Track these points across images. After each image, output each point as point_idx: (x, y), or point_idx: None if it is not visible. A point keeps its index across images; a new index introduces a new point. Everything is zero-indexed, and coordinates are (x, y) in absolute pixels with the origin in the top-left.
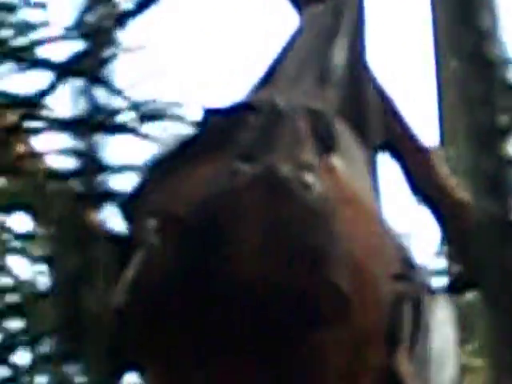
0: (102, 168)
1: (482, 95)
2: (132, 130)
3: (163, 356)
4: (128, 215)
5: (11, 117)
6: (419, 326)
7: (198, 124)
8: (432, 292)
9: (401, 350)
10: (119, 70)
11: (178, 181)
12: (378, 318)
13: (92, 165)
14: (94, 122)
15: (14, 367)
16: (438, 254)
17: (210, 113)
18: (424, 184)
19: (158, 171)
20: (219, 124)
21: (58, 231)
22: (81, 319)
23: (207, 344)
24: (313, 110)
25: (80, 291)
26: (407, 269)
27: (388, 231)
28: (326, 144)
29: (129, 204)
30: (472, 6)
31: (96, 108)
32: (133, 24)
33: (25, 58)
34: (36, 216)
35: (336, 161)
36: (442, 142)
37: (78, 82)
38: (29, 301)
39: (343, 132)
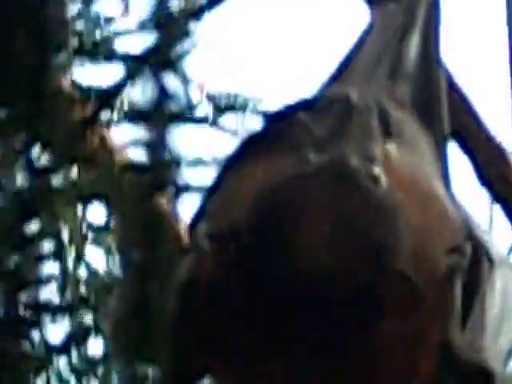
0: (176, 161)
1: None
2: (209, 122)
3: (228, 357)
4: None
5: (87, 109)
6: (475, 297)
7: (264, 121)
8: (492, 260)
9: (455, 322)
10: (195, 63)
11: (242, 177)
12: (437, 299)
13: (166, 157)
14: (170, 114)
15: (88, 359)
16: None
17: (277, 114)
18: (496, 181)
19: (223, 174)
20: (285, 122)
21: (130, 222)
22: (145, 314)
23: (272, 343)
24: (381, 106)
25: (146, 286)
26: (464, 242)
27: (449, 208)
28: (385, 131)
29: (200, 210)
30: None
31: (171, 99)
32: (209, 17)
33: (101, 50)
34: (111, 208)
35: (393, 147)
36: None
37: (152, 74)
38: (100, 292)
39: (409, 123)
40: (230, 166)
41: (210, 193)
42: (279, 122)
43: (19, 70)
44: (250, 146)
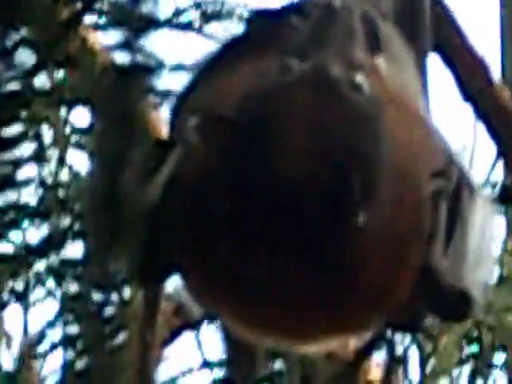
0: (158, 64)
1: None
2: (195, 29)
3: (206, 254)
4: (175, 115)
5: (71, 10)
6: (457, 222)
7: (246, 24)
8: (473, 189)
9: (436, 246)
10: None
11: (224, 78)
12: (417, 218)
13: (147, 61)
14: (152, 18)
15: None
16: (492, 168)
17: (260, 14)
18: (478, 95)
19: (205, 71)
20: (267, 23)
21: (110, 122)
22: (117, 208)
23: (257, 238)
24: (365, 11)
25: (118, 178)
26: (448, 166)
27: (433, 131)
28: (374, 45)
29: (177, 105)
30: None
31: (154, 3)
32: None
33: None
34: (94, 110)
35: (382, 62)
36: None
37: None
38: (80, 196)
39: (393, 35)
40: (215, 64)
41: (191, 87)
42: (265, 25)
43: None
44: (237, 46)
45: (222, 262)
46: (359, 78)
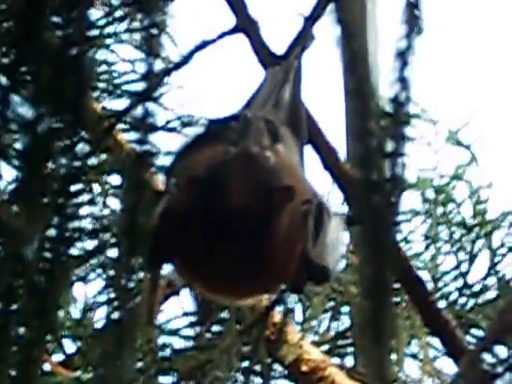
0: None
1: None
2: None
3: (185, 251)
4: (167, 177)
5: (108, 120)
6: (320, 229)
7: (205, 127)
8: (329, 212)
9: (309, 242)
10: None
11: (193, 157)
12: (298, 226)
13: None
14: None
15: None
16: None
17: (212, 122)
18: (332, 167)
19: (182, 152)
20: (217, 127)
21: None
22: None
23: (212, 240)
24: (268, 119)
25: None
26: (312, 198)
27: (307, 182)
28: (274, 138)
29: (167, 171)
30: None
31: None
32: None
33: None
34: (122, 177)
35: (280, 146)
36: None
37: None
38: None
39: (284, 132)
40: (188, 148)
41: (175, 162)
42: (215, 127)
43: None
44: (198, 139)
45: (194, 255)
46: (267, 153)
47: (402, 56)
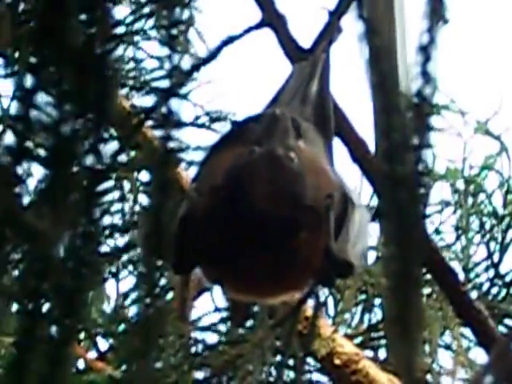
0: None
1: None
2: (205, 126)
3: (212, 254)
4: (194, 181)
5: (137, 117)
6: (344, 222)
7: (232, 127)
8: (354, 204)
9: (331, 236)
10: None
11: (218, 159)
12: (320, 221)
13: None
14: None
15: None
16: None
17: (236, 122)
18: (361, 160)
19: (207, 156)
20: (241, 127)
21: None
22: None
23: (238, 243)
24: (293, 118)
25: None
26: (338, 191)
27: (331, 176)
28: (297, 136)
29: (195, 176)
30: None
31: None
32: None
33: None
34: (151, 172)
35: (301, 144)
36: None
37: None
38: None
39: (309, 129)
40: (212, 151)
41: (201, 165)
42: (239, 127)
43: None
44: (223, 141)
45: (221, 258)
46: (292, 154)
47: (425, 50)
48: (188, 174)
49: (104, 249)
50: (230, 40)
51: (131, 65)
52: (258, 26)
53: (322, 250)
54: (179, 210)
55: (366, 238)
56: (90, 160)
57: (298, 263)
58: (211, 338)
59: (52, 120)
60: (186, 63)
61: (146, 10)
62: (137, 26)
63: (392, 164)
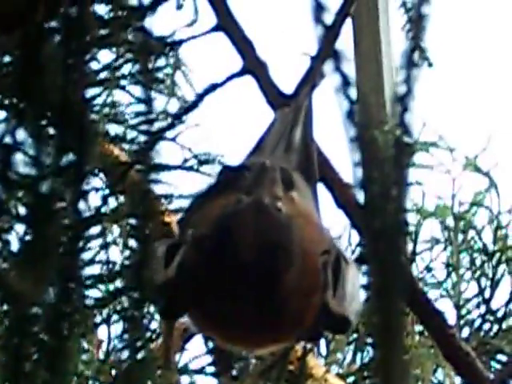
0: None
1: None
2: (194, 170)
3: (201, 303)
4: (181, 228)
5: (124, 166)
6: (339, 278)
7: (218, 175)
8: (347, 260)
9: (328, 292)
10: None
11: (207, 207)
12: (316, 277)
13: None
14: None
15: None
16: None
17: (225, 169)
18: (345, 203)
19: (196, 203)
20: (230, 176)
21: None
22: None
23: (226, 293)
24: (282, 168)
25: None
26: (330, 248)
27: (323, 231)
28: (288, 185)
29: (181, 222)
30: None
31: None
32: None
33: None
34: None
35: (294, 194)
36: None
37: None
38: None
39: (298, 179)
40: (199, 199)
41: (189, 213)
42: (227, 176)
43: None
44: (211, 189)
45: (210, 308)
46: (279, 204)
47: (402, 101)
48: (176, 218)
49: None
50: (213, 88)
51: (118, 109)
52: (239, 74)
53: (315, 304)
54: (175, 257)
55: (359, 295)
56: (70, 217)
57: (287, 316)
58: (202, 382)
59: (30, 178)
60: (173, 106)
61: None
62: (124, 70)
63: (371, 216)
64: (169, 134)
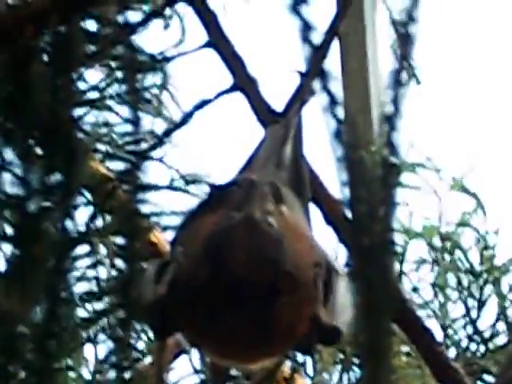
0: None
1: None
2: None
3: (192, 320)
4: (173, 245)
5: (111, 184)
6: (330, 290)
7: (208, 193)
8: (338, 272)
9: (319, 304)
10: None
11: (198, 224)
12: (308, 289)
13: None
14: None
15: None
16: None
17: (214, 187)
18: (336, 222)
19: (187, 220)
20: (220, 193)
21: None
22: (136, 302)
23: (218, 309)
24: (271, 183)
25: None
26: (321, 261)
27: (314, 243)
28: (277, 199)
29: (173, 240)
30: None
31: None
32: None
33: None
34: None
35: (283, 208)
36: None
37: None
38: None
39: (288, 193)
40: (190, 217)
41: (179, 230)
42: (217, 193)
43: None
44: (201, 206)
45: (201, 325)
46: (271, 219)
47: (390, 120)
48: (164, 237)
49: (82, 313)
50: (202, 104)
51: (105, 129)
52: (229, 90)
53: (307, 317)
54: (165, 275)
55: (350, 307)
56: (57, 235)
57: (278, 330)
58: None
59: (18, 198)
60: (160, 126)
61: (119, 74)
62: (111, 90)
63: (359, 235)
64: (156, 153)
